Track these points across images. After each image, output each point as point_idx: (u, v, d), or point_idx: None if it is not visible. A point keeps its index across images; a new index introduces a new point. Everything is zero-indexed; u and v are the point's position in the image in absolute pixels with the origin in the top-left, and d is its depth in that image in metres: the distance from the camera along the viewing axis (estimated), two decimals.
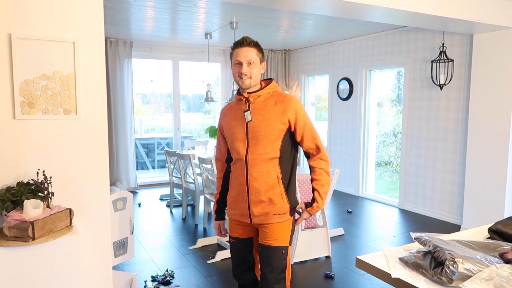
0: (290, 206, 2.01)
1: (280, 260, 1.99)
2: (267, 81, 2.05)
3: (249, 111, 1.98)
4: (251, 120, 1.96)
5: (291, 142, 2.01)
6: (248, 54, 1.94)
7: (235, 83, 2.12)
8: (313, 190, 2.04)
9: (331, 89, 6.73)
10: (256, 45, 1.98)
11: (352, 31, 5.76)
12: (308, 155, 2.07)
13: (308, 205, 2.06)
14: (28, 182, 1.87)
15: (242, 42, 1.96)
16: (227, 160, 2.16)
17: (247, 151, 1.96)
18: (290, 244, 2.05)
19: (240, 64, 1.94)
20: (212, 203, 4.37)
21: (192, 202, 5.55)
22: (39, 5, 1.93)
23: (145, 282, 3.25)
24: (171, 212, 5.40)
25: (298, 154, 2.09)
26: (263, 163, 1.95)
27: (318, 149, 2.02)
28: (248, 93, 1.98)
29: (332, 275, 3.39)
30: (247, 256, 2.13)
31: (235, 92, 2.06)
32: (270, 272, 1.98)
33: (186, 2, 4.21)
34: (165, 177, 6.89)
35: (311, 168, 2.05)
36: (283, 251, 2.00)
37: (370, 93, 6.14)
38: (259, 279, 2.11)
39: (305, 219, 2.13)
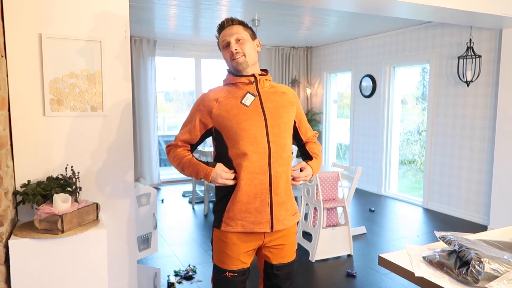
0: None
1: (295, 269, 1.85)
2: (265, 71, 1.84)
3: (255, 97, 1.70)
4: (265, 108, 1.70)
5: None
6: (233, 31, 1.72)
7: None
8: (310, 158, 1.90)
9: (354, 86, 6.66)
10: (240, 22, 1.76)
11: (375, 27, 5.68)
12: (304, 144, 1.94)
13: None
14: (57, 177, 1.93)
15: (223, 24, 1.75)
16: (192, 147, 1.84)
17: (269, 140, 1.66)
18: None
19: (228, 43, 1.71)
20: None
21: (214, 199, 5.60)
22: (67, 5, 1.99)
23: (168, 276, 3.31)
24: (193, 208, 5.47)
25: None
26: (286, 155, 1.71)
27: (314, 134, 1.96)
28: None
29: (354, 274, 3.36)
30: None
31: (224, 78, 1.79)
32: (290, 285, 1.83)
33: (208, 0, 4.24)
34: None
35: (311, 153, 1.90)
36: (296, 260, 1.86)
37: (393, 90, 6.04)
38: None
39: (309, 177, 1.82)
